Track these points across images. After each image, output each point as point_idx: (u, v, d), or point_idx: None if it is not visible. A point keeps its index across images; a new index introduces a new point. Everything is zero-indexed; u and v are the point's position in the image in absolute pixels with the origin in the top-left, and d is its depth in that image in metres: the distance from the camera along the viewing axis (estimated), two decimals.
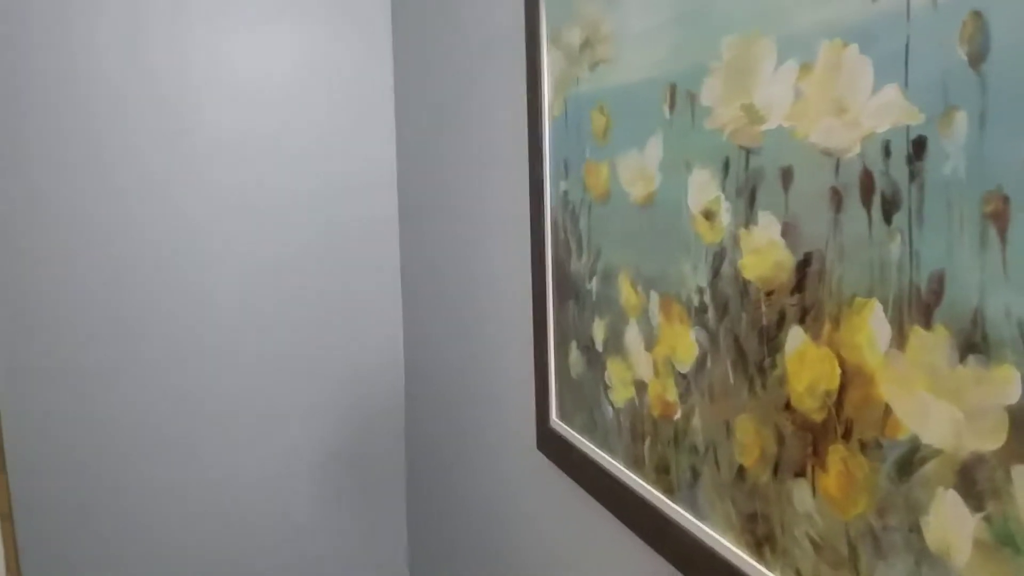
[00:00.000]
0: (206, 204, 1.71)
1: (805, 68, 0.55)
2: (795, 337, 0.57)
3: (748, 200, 0.61)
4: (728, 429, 0.66)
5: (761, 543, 0.63)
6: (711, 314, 0.68)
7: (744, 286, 0.63)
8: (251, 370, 1.79)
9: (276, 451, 1.83)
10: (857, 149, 0.50)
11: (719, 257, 0.66)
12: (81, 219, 1.63)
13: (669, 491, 0.77)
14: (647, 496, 0.81)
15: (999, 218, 0.42)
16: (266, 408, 1.81)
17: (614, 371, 0.87)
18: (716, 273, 0.66)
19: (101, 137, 1.63)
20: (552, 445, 1.06)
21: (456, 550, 1.60)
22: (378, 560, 1.96)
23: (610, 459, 0.89)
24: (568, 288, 0.98)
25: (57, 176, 1.61)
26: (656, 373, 0.78)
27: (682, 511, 0.75)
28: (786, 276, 0.58)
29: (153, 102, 1.66)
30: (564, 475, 1.06)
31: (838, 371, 0.53)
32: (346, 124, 1.81)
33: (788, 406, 0.58)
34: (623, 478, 0.86)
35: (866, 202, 0.50)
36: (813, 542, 0.56)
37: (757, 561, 0.63)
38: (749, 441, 0.63)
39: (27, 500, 1.63)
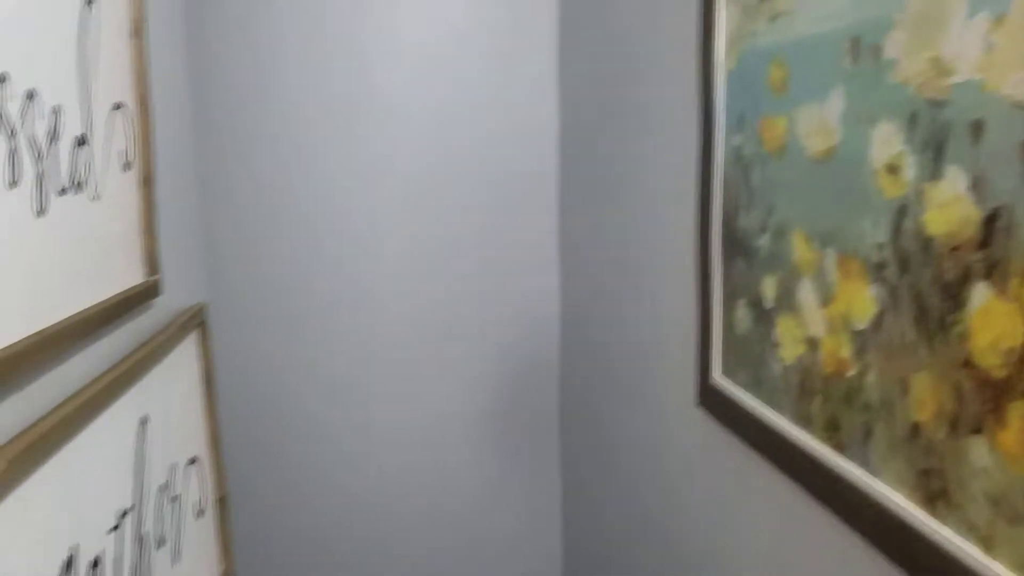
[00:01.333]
0: (373, 165, 1.81)
1: (998, 19, 0.53)
2: (980, 293, 0.56)
3: (934, 154, 0.60)
4: (904, 386, 0.66)
5: (935, 498, 0.62)
6: (891, 270, 0.67)
7: (927, 242, 0.62)
8: (411, 323, 1.88)
9: (432, 403, 1.93)
10: None
11: (901, 212, 0.65)
12: (268, 181, 1.76)
13: (839, 448, 0.77)
14: (815, 453, 0.81)
15: None
16: (424, 360, 1.90)
17: (784, 328, 0.87)
18: (898, 229, 0.66)
19: (283, 108, 1.75)
20: (714, 401, 1.08)
21: (610, 505, 1.64)
22: (531, 515, 2.03)
23: (776, 415, 0.90)
24: (736, 244, 0.99)
25: (243, 143, 1.75)
26: (830, 330, 0.78)
27: (852, 467, 0.75)
28: (972, 231, 0.57)
29: (328, 71, 1.76)
30: (726, 431, 1.07)
31: (1023, 328, 0.52)
32: (509, 81, 1.85)
33: (968, 363, 0.57)
34: (789, 435, 0.87)
35: None
36: (990, 497, 0.56)
37: (930, 515, 0.63)
38: (926, 398, 0.63)
39: (230, 440, 1.81)
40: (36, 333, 0.69)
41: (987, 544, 0.57)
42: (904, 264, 0.65)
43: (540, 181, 1.90)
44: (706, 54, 1.04)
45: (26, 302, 0.69)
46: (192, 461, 1.27)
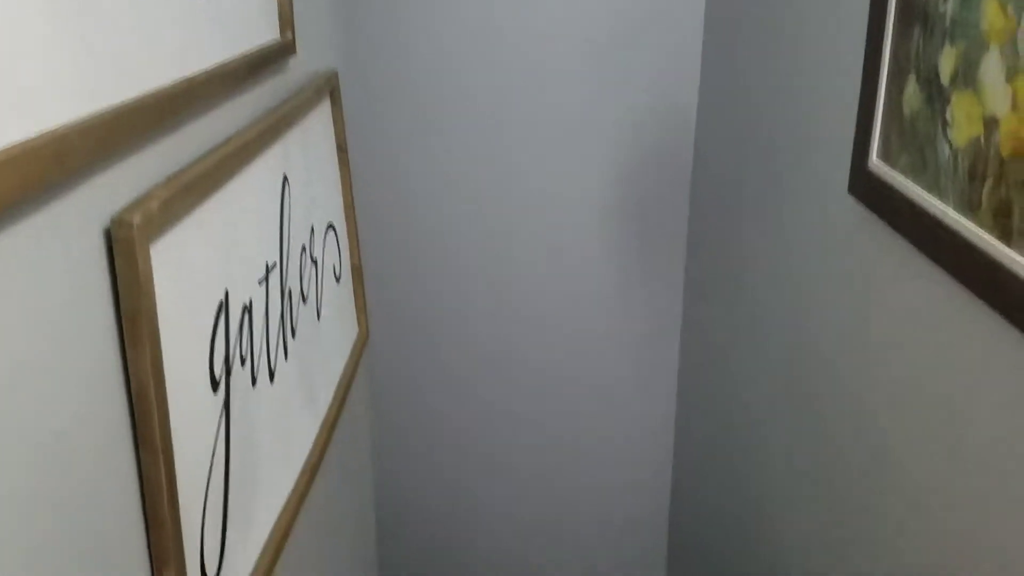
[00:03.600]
0: None
1: None
2: None
3: None
4: None
5: None
6: None
7: None
8: (540, 94, 1.83)
9: (555, 180, 1.90)
10: None
11: None
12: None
13: (1006, 236, 0.71)
14: (977, 241, 0.76)
15: None
16: (552, 135, 1.87)
17: (960, 106, 0.79)
18: None
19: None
20: (867, 187, 1.01)
21: (740, 301, 1.62)
22: (651, 310, 2.03)
23: (938, 203, 0.84)
24: (914, 11, 0.88)
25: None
26: (1014, 107, 0.70)
27: (1018, 257, 0.69)
28: None
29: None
30: (878, 219, 1.01)
31: None
32: None
33: None
34: (951, 223, 0.80)
35: None
36: None
37: None
38: None
39: (363, 213, 1.87)
40: (185, 80, 0.70)
41: None
42: None
43: None
44: None
45: (175, 48, 0.69)
46: (329, 227, 1.31)
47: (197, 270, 0.73)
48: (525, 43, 1.79)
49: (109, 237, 0.59)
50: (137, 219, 0.58)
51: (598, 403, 2.10)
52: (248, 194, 0.87)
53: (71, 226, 0.55)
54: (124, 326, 0.59)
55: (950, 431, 0.87)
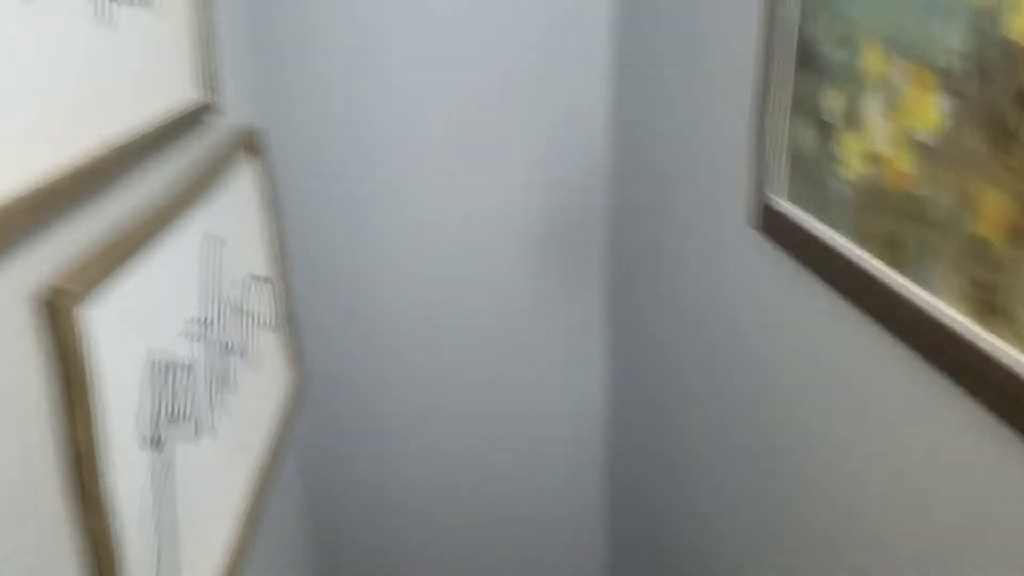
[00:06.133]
0: None
1: None
2: None
3: None
4: (970, 201, 0.65)
5: (990, 311, 0.63)
6: (964, 81, 0.64)
7: (1008, 48, 0.59)
8: (458, 127, 1.86)
9: (472, 213, 1.94)
10: None
11: (985, 17, 0.61)
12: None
13: (899, 265, 0.77)
14: (873, 271, 0.82)
15: None
16: (469, 170, 1.91)
17: (847, 144, 0.85)
18: (978, 35, 0.62)
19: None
20: (769, 222, 1.07)
21: (658, 334, 1.67)
22: (573, 338, 2.08)
23: (834, 235, 0.90)
24: (802, 54, 0.95)
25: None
26: (895, 145, 0.76)
27: (910, 285, 0.75)
28: None
29: None
30: (781, 252, 1.07)
31: None
32: None
33: None
34: (848, 254, 0.86)
35: None
36: None
37: (985, 330, 0.64)
38: (993, 213, 0.62)
39: (297, 264, 1.87)
40: (106, 147, 0.71)
41: None
42: (979, 74, 0.62)
43: None
44: None
45: (95, 114, 0.71)
46: (260, 279, 1.32)
47: (127, 332, 0.74)
48: (440, 84, 1.83)
49: (40, 306, 0.60)
50: (67, 286, 0.59)
51: (530, 411, 2.14)
52: (174, 255, 0.88)
53: (1, 298, 0.56)
54: (59, 392, 0.60)
55: (855, 430, 0.92)
